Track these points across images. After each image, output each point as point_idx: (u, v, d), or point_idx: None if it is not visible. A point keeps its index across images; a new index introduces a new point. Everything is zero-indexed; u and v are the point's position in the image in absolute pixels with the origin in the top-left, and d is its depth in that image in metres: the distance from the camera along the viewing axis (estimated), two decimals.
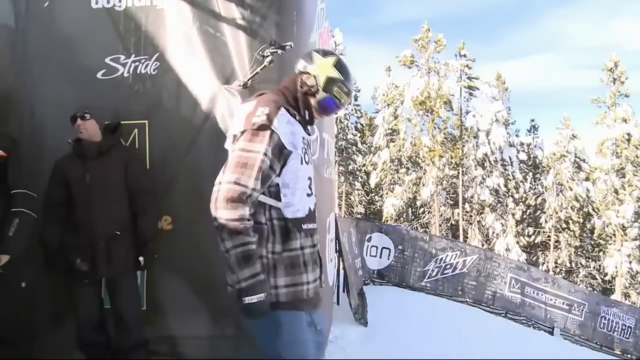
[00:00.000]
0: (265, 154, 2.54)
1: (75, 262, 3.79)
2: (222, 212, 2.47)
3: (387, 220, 33.86)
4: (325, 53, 2.90)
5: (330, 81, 2.79)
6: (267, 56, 3.63)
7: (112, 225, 3.96)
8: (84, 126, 3.94)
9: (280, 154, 2.60)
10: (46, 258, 3.92)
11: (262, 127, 2.55)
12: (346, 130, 38.45)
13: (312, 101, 2.82)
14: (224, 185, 2.50)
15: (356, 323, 7.38)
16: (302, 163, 2.71)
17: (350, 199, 40.71)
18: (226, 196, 2.48)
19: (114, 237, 3.93)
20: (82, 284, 3.88)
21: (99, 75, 4.31)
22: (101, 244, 3.87)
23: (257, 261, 2.50)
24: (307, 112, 2.82)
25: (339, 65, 2.84)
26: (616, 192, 33.19)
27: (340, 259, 7.85)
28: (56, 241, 3.86)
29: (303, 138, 2.74)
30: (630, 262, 32.61)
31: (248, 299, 2.46)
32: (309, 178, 2.81)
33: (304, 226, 2.73)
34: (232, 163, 2.54)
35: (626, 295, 32.43)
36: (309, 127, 2.87)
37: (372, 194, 42.23)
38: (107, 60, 4.32)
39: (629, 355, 14.01)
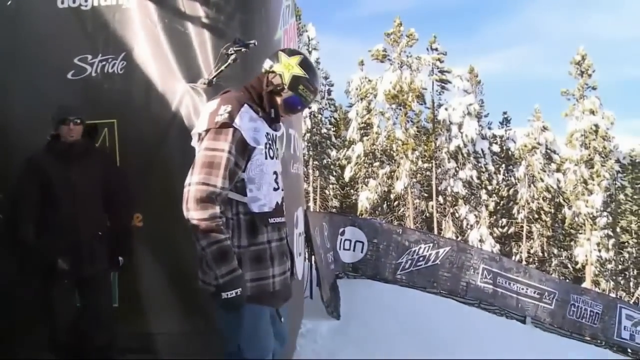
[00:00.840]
0: (229, 152, 2.61)
1: (57, 263, 3.75)
2: (194, 213, 2.55)
3: (362, 214, 34.01)
4: (292, 52, 2.96)
5: (295, 79, 2.84)
6: (232, 54, 3.67)
7: (96, 225, 3.99)
8: (76, 131, 3.91)
9: (244, 150, 2.67)
10: (21, 258, 3.87)
11: (224, 125, 2.62)
12: (320, 125, 38.53)
13: (278, 100, 2.87)
14: (192, 186, 2.57)
15: (328, 317, 7.44)
16: (266, 158, 2.78)
17: (325, 193, 40.81)
18: (196, 197, 2.55)
19: (97, 237, 3.96)
20: (61, 284, 3.83)
21: (68, 75, 4.29)
22: (87, 244, 3.88)
23: (233, 257, 2.59)
24: (273, 111, 2.87)
25: (305, 64, 2.89)
26: (585, 182, 33.74)
27: (312, 253, 7.91)
28: (33, 241, 3.77)
29: (267, 133, 2.81)
30: (600, 251, 33.25)
31: (226, 294, 2.56)
32: (275, 172, 2.88)
33: (271, 220, 2.80)
34: (199, 163, 2.61)
35: (596, 283, 33.07)
36: (274, 124, 2.93)
37: (347, 188, 42.38)
38: (76, 60, 4.29)
39: (598, 341, 14.32)
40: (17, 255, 3.88)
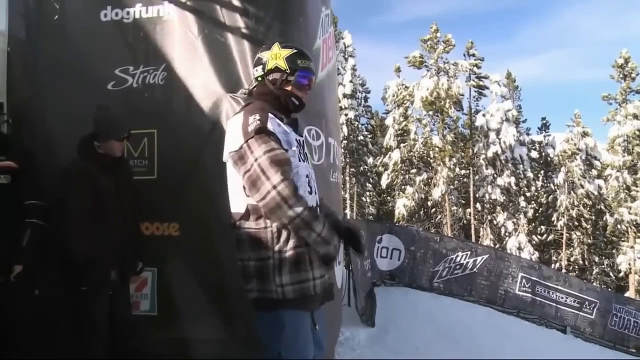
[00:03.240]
0: (281, 148, 2.68)
1: (109, 274, 3.77)
2: (298, 207, 2.61)
3: (399, 221, 33.83)
4: (263, 49, 3.02)
5: (290, 60, 2.92)
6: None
7: (136, 235, 4.10)
8: (124, 146, 4.01)
9: None
10: (69, 269, 3.81)
11: (260, 130, 2.66)
12: (357, 132, 38.46)
13: (290, 88, 2.93)
14: (280, 186, 2.59)
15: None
16: (299, 160, 2.82)
17: (361, 200, 40.70)
18: (290, 193, 2.60)
19: (136, 247, 4.07)
20: (106, 294, 3.83)
21: (109, 86, 4.41)
22: (132, 255, 3.99)
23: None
24: (292, 101, 2.93)
25: (284, 45, 2.97)
26: (628, 189, 32.97)
27: (349, 261, 7.90)
28: (93, 255, 3.69)
29: (296, 138, 2.85)
30: None
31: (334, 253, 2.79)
32: (307, 176, 2.89)
33: None
34: (268, 165, 2.62)
35: None
36: (298, 129, 2.99)
37: (384, 195, 42.22)
38: (117, 71, 4.42)
39: None
40: (65, 265, 3.85)
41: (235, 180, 2.79)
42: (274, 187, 2.59)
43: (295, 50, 2.95)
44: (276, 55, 2.92)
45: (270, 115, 2.74)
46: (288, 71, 2.90)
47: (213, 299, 4.29)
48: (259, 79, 2.98)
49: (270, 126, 2.68)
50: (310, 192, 2.88)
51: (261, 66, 2.95)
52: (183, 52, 4.36)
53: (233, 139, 2.74)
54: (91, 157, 3.89)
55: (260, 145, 2.64)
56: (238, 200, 2.78)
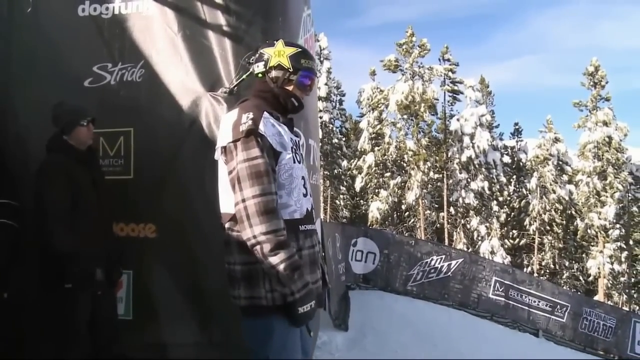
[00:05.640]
0: (264, 157, 2.54)
1: (95, 272, 3.59)
2: (260, 227, 2.46)
3: (373, 224, 33.88)
4: (269, 45, 2.91)
5: (294, 58, 2.81)
6: (253, 63, 3.64)
7: (115, 235, 3.98)
8: (92, 132, 3.80)
9: (273, 156, 2.60)
10: (49, 268, 3.61)
11: (250, 132, 2.55)
12: (331, 135, 38.46)
13: (291, 87, 2.83)
14: (250, 200, 2.48)
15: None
16: (294, 162, 2.70)
17: (335, 203, 40.71)
18: (259, 210, 2.46)
19: (119, 245, 3.93)
20: (89, 294, 3.63)
21: (86, 83, 4.28)
22: (115, 253, 3.83)
23: (304, 271, 2.55)
24: (291, 101, 2.83)
25: (288, 44, 2.87)
26: (598, 194, 33.49)
27: (325, 264, 7.85)
28: (76, 250, 3.52)
29: (291, 138, 2.74)
30: (612, 263, 32.94)
31: (302, 308, 2.51)
32: (303, 177, 2.78)
33: (302, 227, 2.70)
34: (245, 176, 2.52)
35: (608, 296, 32.73)
36: (295, 129, 2.88)
37: (358, 198, 42.28)
38: (95, 68, 4.29)
39: (612, 355, 14.15)
40: (44, 264, 3.63)
41: (226, 178, 2.66)
42: (243, 200, 2.49)
43: (299, 49, 2.86)
44: (280, 53, 2.81)
45: (265, 114, 2.63)
46: (291, 70, 2.80)
47: (190, 303, 4.19)
48: (259, 75, 2.87)
49: (262, 127, 2.57)
50: (305, 195, 2.77)
51: (263, 62, 2.84)
52: (162, 49, 4.25)
53: (224, 135, 2.64)
54: (63, 151, 3.72)
55: (244, 151, 2.54)
56: (229, 200, 2.64)
